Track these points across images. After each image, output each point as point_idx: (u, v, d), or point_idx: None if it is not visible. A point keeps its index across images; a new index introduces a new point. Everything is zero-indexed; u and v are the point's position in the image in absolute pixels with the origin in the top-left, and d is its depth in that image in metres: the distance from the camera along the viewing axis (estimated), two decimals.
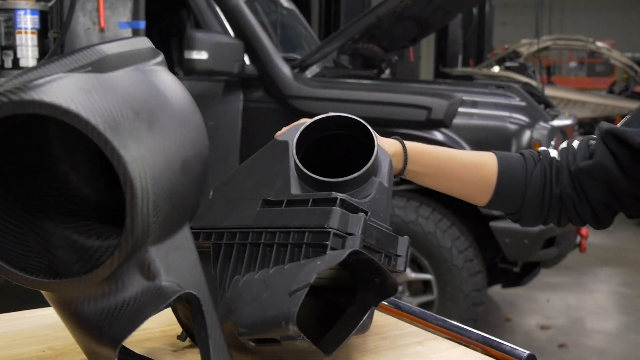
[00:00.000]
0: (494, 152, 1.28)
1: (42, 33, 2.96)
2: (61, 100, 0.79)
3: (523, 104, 3.67)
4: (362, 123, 1.10)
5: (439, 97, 3.59)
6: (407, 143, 1.22)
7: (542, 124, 3.56)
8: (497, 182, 1.25)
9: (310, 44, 4.77)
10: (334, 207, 0.99)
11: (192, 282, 0.89)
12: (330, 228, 0.98)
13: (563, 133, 3.76)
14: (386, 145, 1.18)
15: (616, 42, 13.51)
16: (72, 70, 0.86)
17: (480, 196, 1.27)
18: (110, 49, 0.94)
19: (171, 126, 0.87)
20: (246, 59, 3.80)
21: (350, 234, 0.99)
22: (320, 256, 0.97)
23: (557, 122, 3.76)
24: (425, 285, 3.63)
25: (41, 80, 0.80)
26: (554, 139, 3.53)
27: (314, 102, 3.66)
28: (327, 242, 0.97)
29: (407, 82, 4.67)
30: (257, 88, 3.86)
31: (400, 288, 3.50)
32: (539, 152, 1.28)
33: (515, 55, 9.38)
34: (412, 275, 3.56)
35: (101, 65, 0.89)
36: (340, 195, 1.00)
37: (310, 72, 3.93)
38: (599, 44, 9.70)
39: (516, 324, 4.57)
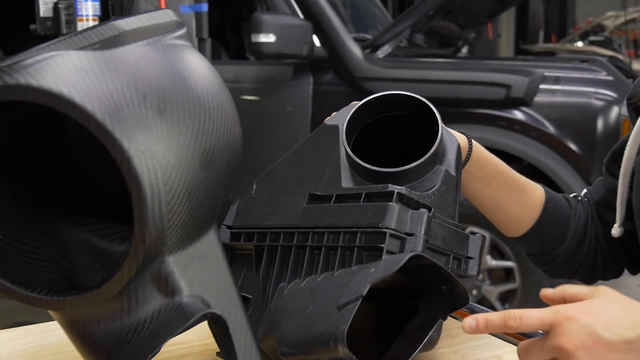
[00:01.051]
0: (541, 184, 1.17)
1: (103, 20, 2.88)
2: (51, 84, 0.65)
3: (610, 78, 3.41)
4: (424, 102, 0.94)
5: (518, 73, 3.37)
6: (473, 142, 1.06)
7: None
8: (544, 207, 1.12)
9: (382, 23, 4.59)
10: (391, 203, 0.83)
11: (220, 297, 0.75)
12: (387, 228, 0.82)
13: None
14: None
15: None
16: (79, 49, 0.73)
17: (524, 221, 1.13)
18: (129, 24, 0.80)
19: (188, 112, 0.72)
20: (315, 41, 3.65)
21: (410, 235, 0.83)
22: (375, 261, 0.82)
23: None
24: (507, 273, 3.42)
25: (29, 60, 0.67)
26: None
27: (386, 84, 3.49)
28: (383, 245, 0.82)
29: (485, 59, 4.45)
30: (327, 70, 3.70)
31: (480, 276, 3.31)
32: (575, 196, 1.19)
33: (599, 29, 8.96)
34: (492, 262, 3.36)
35: (113, 42, 0.75)
36: (397, 188, 0.84)
37: (382, 52, 3.76)
38: None
39: None
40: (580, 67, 3.58)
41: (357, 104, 0.96)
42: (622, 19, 8.31)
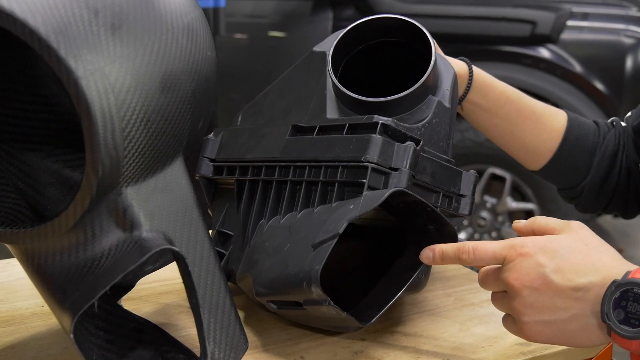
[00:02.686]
0: (565, 111, 1.07)
1: None
2: None
3: None
4: (417, 26, 0.86)
5: (544, 9, 3.25)
6: (475, 69, 0.98)
7: None
8: (564, 136, 1.03)
9: None
10: (374, 135, 0.77)
11: (185, 233, 0.70)
12: (369, 162, 0.76)
13: None
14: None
15: None
16: None
17: (541, 153, 1.05)
18: None
19: (147, 31, 0.66)
20: None
21: (394, 169, 0.77)
22: (355, 198, 0.76)
23: None
24: (528, 216, 3.36)
25: None
26: None
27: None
28: (364, 180, 0.76)
29: None
30: (348, 6, 3.60)
31: (500, 219, 3.25)
32: (612, 121, 1.07)
33: None
34: (513, 205, 3.29)
35: None
36: (382, 119, 0.78)
37: None
38: None
39: (629, 255, 4.24)
40: (611, 2, 3.44)
41: (345, 30, 0.90)
42: None
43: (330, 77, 0.86)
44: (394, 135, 0.78)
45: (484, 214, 3.27)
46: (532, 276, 0.66)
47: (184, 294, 0.92)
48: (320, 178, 0.80)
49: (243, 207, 0.88)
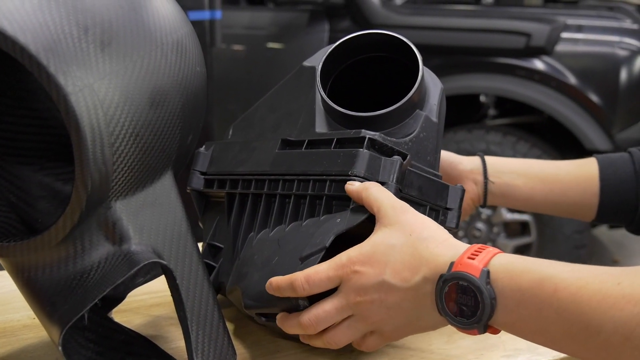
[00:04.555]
0: (594, 155, 1.05)
1: None
2: None
3: (635, 27, 3.30)
4: (405, 42, 0.87)
5: (539, 21, 3.27)
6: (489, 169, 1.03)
7: None
8: (601, 177, 1.02)
9: None
10: (361, 149, 0.78)
11: (173, 246, 0.70)
12: (356, 176, 0.77)
13: None
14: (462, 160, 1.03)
15: None
16: None
17: (587, 203, 1.03)
18: None
19: (136, 47, 0.67)
20: None
21: (382, 183, 0.77)
22: (343, 211, 0.77)
23: None
24: (523, 227, 3.37)
25: None
26: None
27: (404, 31, 3.37)
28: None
29: (508, 6, 4.33)
30: (344, 17, 3.61)
31: (495, 229, 3.26)
32: None
33: None
34: (508, 215, 3.30)
35: None
36: (370, 134, 0.79)
37: None
38: None
39: (624, 265, 4.25)
40: (605, 15, 3.46)
41: (333, 45, 0.91)
42: None
43: (319, 92, 0.87)
44: (381, 150, 0.79)
45: (479, 225, 3.28)
46: (374, 288, 0.67)
47: (174, 307, 0.93)
48: (309, 192, 0.81)
49: (233, 220, 0.89)
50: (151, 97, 0.67)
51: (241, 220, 0.88)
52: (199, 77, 0.76)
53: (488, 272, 0.64)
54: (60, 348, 0.64)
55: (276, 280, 0.72)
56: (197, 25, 2.63)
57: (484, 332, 0.65)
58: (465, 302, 0.64)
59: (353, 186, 0.75)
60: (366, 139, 0.78)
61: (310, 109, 0.89)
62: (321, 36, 3.63)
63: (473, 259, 0.65)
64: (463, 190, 0.85)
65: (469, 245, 0.68)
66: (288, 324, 0.73)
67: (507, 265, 0.64)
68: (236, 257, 0.87)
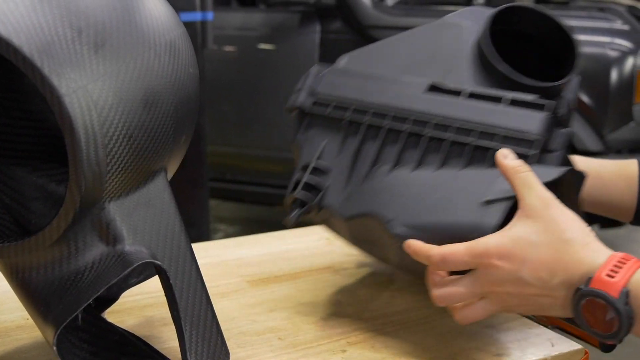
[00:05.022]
0: (638, 158, 1.05)
1: None
2: None
3: (626, 27, 3.31)
4: (560, 25, 0.90)
5: None
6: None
7: None
8: None
9: None
10: (543, 113, 0.82)
11: (167, 246, 0.71)
12: (535, 138, 0.81)
13: None
14: None
15: None
16: None
17: (627, 204, 1.02)
18: None
19: (130, 49, 0.67)
20: None
21: (549, 151, 0.82)
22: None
23: None
24: None
25: None
26: None
27: (395, 32, 3.40)
28: (528, 153, 0.80)
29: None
30: (335, 18, 3.63)
31: None
32: None
33: None
34: None
35: None
36: (549, 103, 0.83)
37: (391, 0, 3.68)
38: None
39: None
40: (595, 16, 3.48)
41: (488, 10, 0.92)
42: None
43: (489, 50, 0.88)
44: (554, 120, 0.83)
45: None
46: (511, 282, 0.69)
47: (167, 307, 0.93)
48: (470, 141, 0.84)
49: (356, 148, 0.91)
50: (144, 99, 0.67)
51: (367, 150, 0.91)
52: (192, 78, 0.76)
53: (627, 293, 0.65)
54: (54, 348, 0.64)
55: (415, 244, 0.76)
56: (188, 26, 2.63)
57: (620, 343, 0.67)
58: (602, 317, 0.65)
59: (506, 159, 0.76)
60: (545, 105, 0.82)
61: (460, 62, 0.91)
62: (312, 37, 3.64)
63: (613, 276, 0.65)
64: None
65: (611, 253, 0.69)
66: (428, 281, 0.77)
67: None
68: (351, 184, 0.90)
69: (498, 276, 0.70)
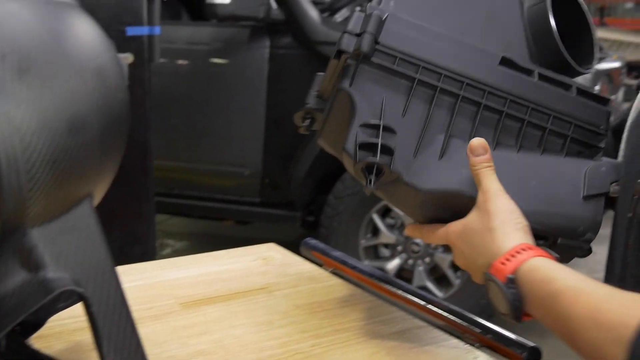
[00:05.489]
0: None
1: None
2: None
3: None
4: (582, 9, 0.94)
5: None
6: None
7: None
8: None
9: None
10: (609, 110, 0.91)
11: (91, 273, 0.70)
12: (604, 130, 0.90)
13: (609, 77, 3.48)
14: None
15: None
16: None
17: None
18: None
19: (55, 74, 0.67)
20: (272, 3, 3.57)
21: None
22: (597, 160, 0.90)
23: (602, 66, 3.48)
24: None
25: None
26: (599, 83, 3.27)
27: None
28: (601, 146, 0.90)
29: None
30: (285, 34, 3.63)
31: (432, 244, 3.30)
32: None
33: None
34: None
35: None
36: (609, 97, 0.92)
37: (340, 16, 3.70)
38: None
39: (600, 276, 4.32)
40: None
41: None
42: None
43: (553, 32, 0.89)
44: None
45: (418, 239, 3.32)
46: (463, 253, 0.84)
47: None
48: (549, 126, 0.88)
49: (426, 114, 0.87)
50: (69, 124, 0.67)
51: (436, 117, 0.87)
52: (121, 102, 0.76)
53: (512, 279, 0.73)
54: None
55: (414, 228, 0.92)
56: (135, 40, 2.62)
57: (520, 321, 0.73)
58: (499, 299, 0.74)
59: (472, 154, 0.83)
60: (608, 102, 0.91)
61: (519, 35, 0.92)
62: (262, 52, 3.64)
63: (505, 263, 0.74)
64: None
65: (519, 242, 0.76)
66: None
67: (529, 274, 0.72)
68: (427, 154, 0.87)
69: (455, 251, 0.85)
